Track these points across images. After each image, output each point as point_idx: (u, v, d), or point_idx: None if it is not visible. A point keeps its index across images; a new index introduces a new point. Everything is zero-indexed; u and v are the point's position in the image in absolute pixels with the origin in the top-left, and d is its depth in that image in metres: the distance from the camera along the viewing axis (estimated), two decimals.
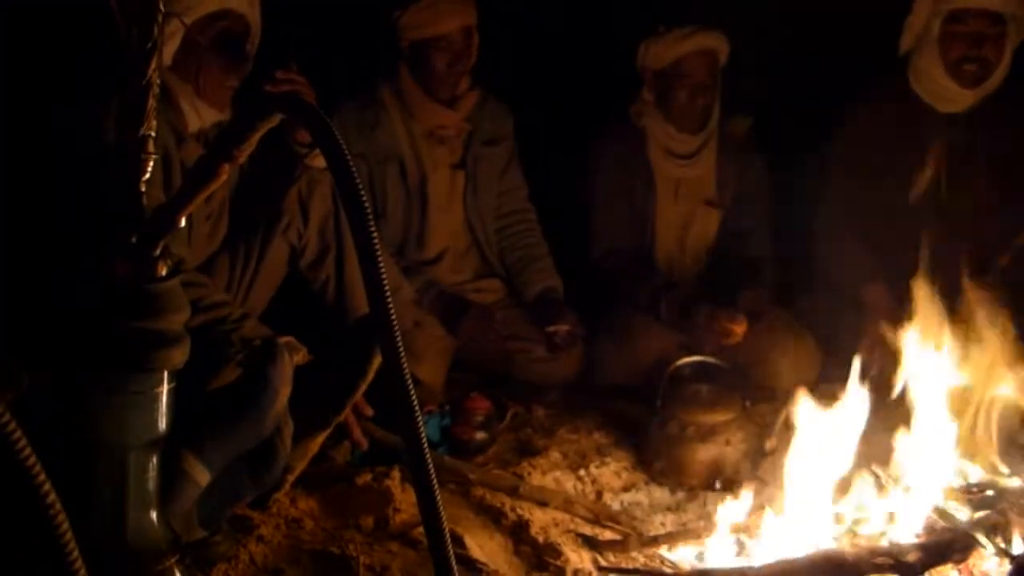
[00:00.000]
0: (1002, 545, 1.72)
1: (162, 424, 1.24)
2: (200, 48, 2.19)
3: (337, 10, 3.26)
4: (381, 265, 1.09)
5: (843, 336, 2.71)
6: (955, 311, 2.13)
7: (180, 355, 1.23)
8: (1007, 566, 1.69)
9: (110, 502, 1.23)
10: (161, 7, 1.15)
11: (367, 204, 1.07)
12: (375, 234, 1.08)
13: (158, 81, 1.18)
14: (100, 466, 1.22)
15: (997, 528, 1.77)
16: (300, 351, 1.94)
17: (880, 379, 2.09)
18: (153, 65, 1.16)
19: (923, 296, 2.11)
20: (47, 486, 0.92)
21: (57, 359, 1.24)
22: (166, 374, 1.23)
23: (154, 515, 1.27)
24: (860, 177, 2.94)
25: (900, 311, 2.62)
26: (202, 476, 1.48)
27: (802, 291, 3.18)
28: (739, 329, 2.82)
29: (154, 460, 1.26)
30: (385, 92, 2.97)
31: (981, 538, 1.71)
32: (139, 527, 1.24)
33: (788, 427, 2.43)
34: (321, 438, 2.00)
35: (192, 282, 2.08)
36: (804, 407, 2.03)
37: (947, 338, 2.08)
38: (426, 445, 1.15)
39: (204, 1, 2.17)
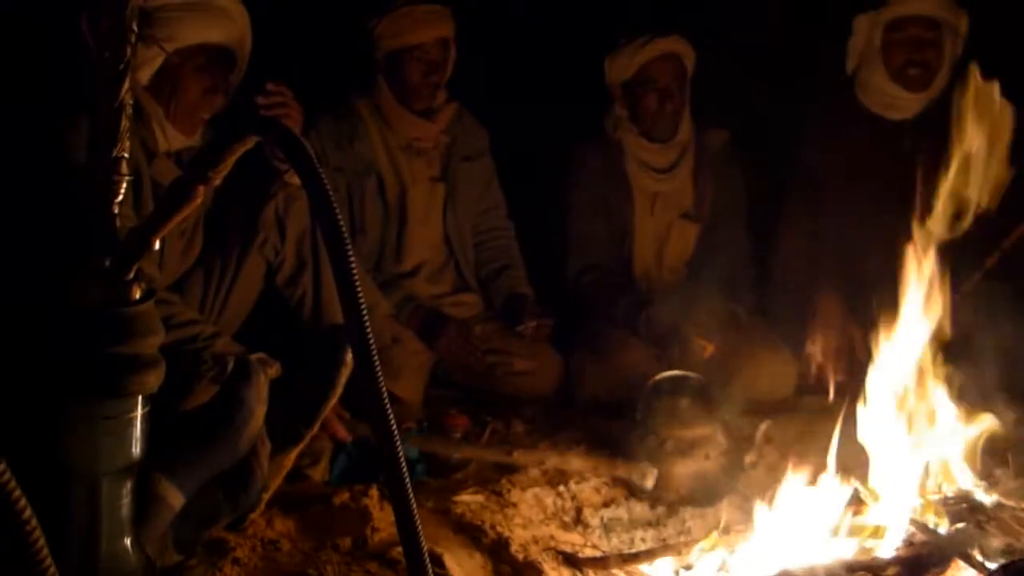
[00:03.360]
0: (979, 558, 1.73)
1: (136, 450, 1.22)
2: (178, 75, 2.22)
3: (313, 23, 3.26)
4: (358, 288, 1.09)
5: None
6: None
7: (155, 379, 1.22)
8: None
9: (83, 529, 1.20)
10: (134, 28, 1.14)
11: (343, 227, 1.07)
12: (352, 259, 1.08)
13: (131, 102, 1.17)
14: (73, 493, 1.20)
15: (975, 541, 1.78)
16: (273, 366, 1.92)
17: (845, 387, 2.11)
18: (126, 86, 1.15)
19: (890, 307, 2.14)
20: (28, 512, 0.91)
21: (27, 383, 1.22)
22: (140, 399, 1.21)
23: (128, 542, 1.25)
24: (817, 188, 3.08)
25: (850, 321, 2.69)
26: (176, 499, 1.45)
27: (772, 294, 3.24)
28: (712, 346, 2.87)
29: (128, 486, 1.24)
30: (362, 105, 2.97)
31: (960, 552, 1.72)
32: (113, 554, 1.22)
33: (767, 441, 2.45)
34: (295, 453, 1.98)
35: (162, 300, 2.06)
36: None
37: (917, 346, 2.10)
38: (404, 464, 1.15)
39: (185, 33, 2.21)
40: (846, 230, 2.98)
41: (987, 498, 1.98)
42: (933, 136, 2.76)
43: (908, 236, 2.08)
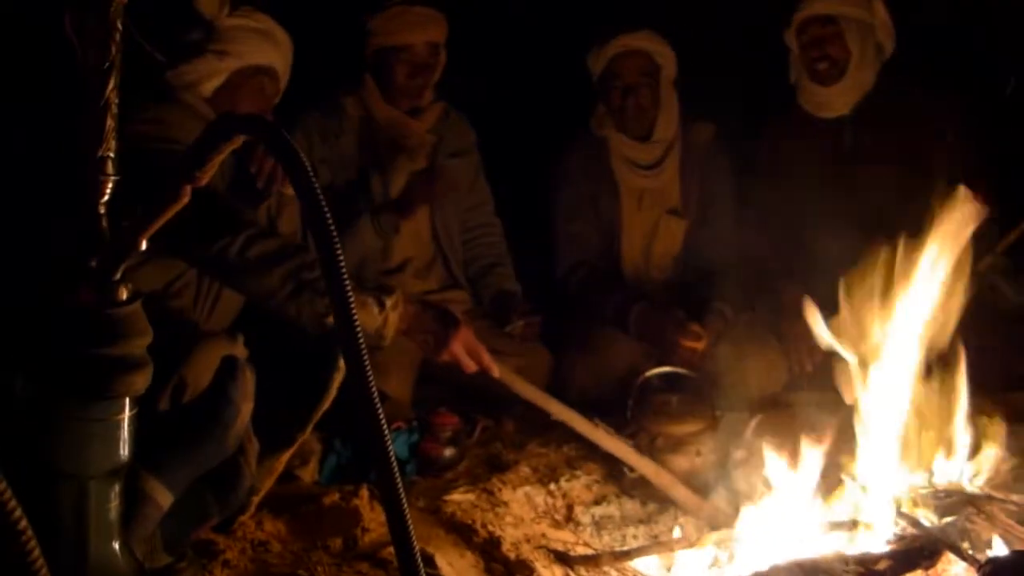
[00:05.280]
0: (970, 551, 1.74)
1: (124, 452, 1.21)
2: (237, 92, 2.37)
3: (302, 18, 3.27)
4: (349, 289, 1.08)
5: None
6: None
7: (142, 380, 1.21)
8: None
9: (72, 532, 1.19)
10: (118, 27, 1.13)
11: (334, 229, 1.06)
12: (342, 261, 1.07)
13: (116, 101, 1.16)
14: (61, 495, 1.19)
15: (965, 534, 1.79)
16: None
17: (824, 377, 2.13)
18: (111, 86, 1.14)
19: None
20: (18, 512, 0.90)
21: (15, 384, 1.21)
22: (128, 400, 1.20)
23: (116, 545, 1.23)
24: (772, 188, 3.14)
25: (815, 310, 2.71)
26: (164, 498, 1.45)
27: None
28: (699, 346, 2.88)
29: (116, 488, 1.23)
30: (348, 102, 2.98)
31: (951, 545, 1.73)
32: (101, 558, 1.21)
33: (758, 436, 2.45)
34: (286, 456, 1.98)
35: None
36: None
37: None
38: (395, 463, 1.14)
39: (252, 54, 2.37)
40: (798, 227, 3.04)
41: (976, 491, 1.98)
42: (872, 130, 3.09)
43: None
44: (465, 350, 2.21)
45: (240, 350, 2.01)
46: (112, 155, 1.17)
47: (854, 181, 3.08)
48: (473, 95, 3.30)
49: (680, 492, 2.25)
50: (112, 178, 1.17)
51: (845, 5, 3.06)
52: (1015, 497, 1.95)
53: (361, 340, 1.10)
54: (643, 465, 2.29)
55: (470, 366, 2.23)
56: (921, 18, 3.27)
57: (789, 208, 3.05)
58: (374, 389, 1.11)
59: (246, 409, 1.58)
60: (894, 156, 3.06)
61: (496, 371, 2.25)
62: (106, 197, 1.18)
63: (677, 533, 2.12)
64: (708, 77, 3.28)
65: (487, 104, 3.39)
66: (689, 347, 2.86)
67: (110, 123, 1.16)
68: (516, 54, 3.63)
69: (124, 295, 1.19)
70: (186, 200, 1.18)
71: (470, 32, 3.08)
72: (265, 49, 2.41)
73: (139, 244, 1.19)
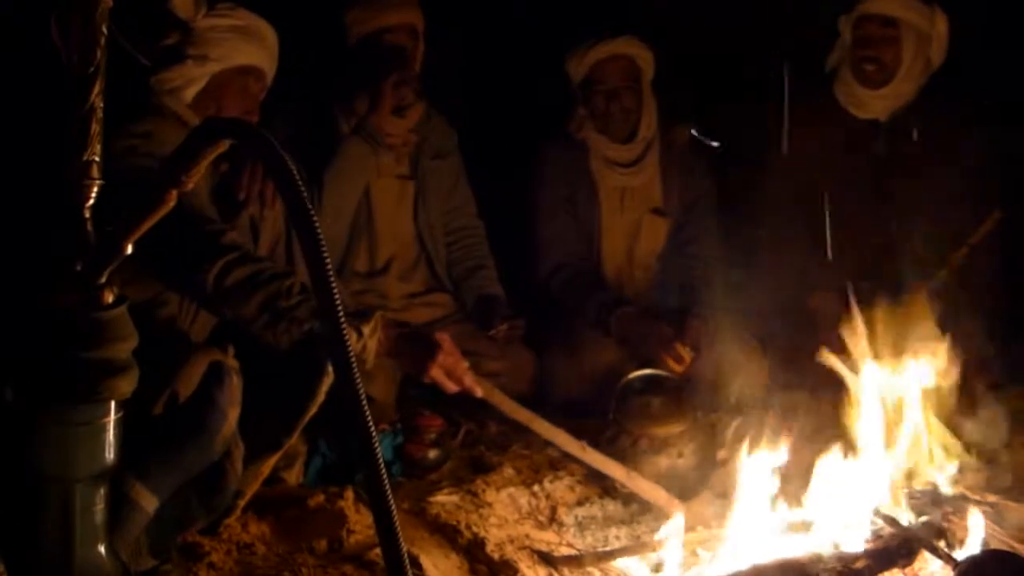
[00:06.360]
0: (946, 550, 1.76)
1: (110, 455, 1.21)
2: (221, 94, 2.33)
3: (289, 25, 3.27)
4: (334, 286, 1.10)
5: (780, 340, 2.91)
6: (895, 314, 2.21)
7: (127, 384, 1.21)
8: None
9: (57, 536, 1.19)
10: (103, 31, 1.14)
11: (320, 233, 1.07)
12: (329, 266, 1.08)
13: (101, 105, 1.16)
14: (46, 499, 1.19)
15: (941, 533, 1.82)
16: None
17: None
18: (96, 90, 1.14)
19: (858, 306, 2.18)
20: None
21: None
22: (113, 404, 1.20)
23: (102, 548, 1.24)
24: (797, 185, 3.11)
25: (847, 317, 2.72)
26: (149, 503, 1.45)
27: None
28: (681, 369, 2.88)
29: (102, 492, 1.23)
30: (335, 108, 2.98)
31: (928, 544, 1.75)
32: (87, 561, 1.22)
33: (739, 437, 2.47)
34: (272, 461, 1.97)
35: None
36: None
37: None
38: (382, 465, 1.15)
39: (233, 55, 2.32)
40: (822, 225, 3.05)
41: (952, 491, 2.02)
42: (906, 143, 3.02)
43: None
44: (445, 372, 2.19)
45: (231, 362, 2.01)
46: (97, 159, 1.17)
47: (880, 191, 3.04)
48: (454, 95, 3.31)
49: (678, 510, 2.23)
50: (97, 182, 1.17)
51: (911, 11, 2.99)
52: (990, 497, 1.98)
53: (349, 344, 1.11)
54: (637, 484, 2.27)
55: (451, 388, 2.22)
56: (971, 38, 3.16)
57: (814, 207, 3.06)
58: (362, 392, 1.12)
59: (233, 415, 1.58)
60: (921, 172, 2.99)
61: (479, 391, 2.24)
62: (91, 201, 1.18)
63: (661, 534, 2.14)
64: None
65: (468, 104, 3.39)
66: (672, 366, 2.87)
67: (95, 127, 1.16)
68: (496, 55, 3.64)
69: (109, 299, 1.19)
70: (171, 204, 1.18)
71: (451, 28, 3.09)
72: (246, 48, 2.36)
73: (124, 248, 1.19)
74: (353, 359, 1.10)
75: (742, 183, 3.31)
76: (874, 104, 3.09)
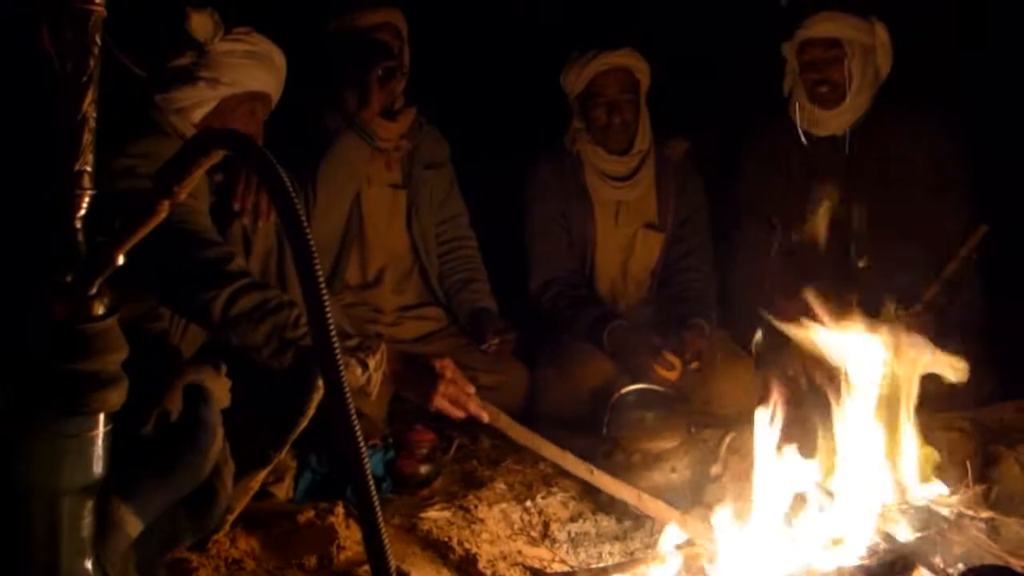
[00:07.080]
0: (942, 565, 1.75)
1: (98, 469, 1.19)
2: (228, 118, 2.33)
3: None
4: (325, 299, 1.09)
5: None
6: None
7: (117, 397, 1.19)
8: None
9: (43, 550, 1.17)
10: (97, 40, 1.13)
11: (313, 246, 1.07)
12: (322, 279, 1.07)
13: (94, 115, 1.15)
14: (32, 512, 1.17)
15: (938, 548, 1.81)
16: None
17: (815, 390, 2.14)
18: (88, 99, 1.13)
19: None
20: None
21: None
22: (102, 417, 1.18)
23: (89, 563, 1.21)
24: (765, 202, 3.22)
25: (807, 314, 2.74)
26: (133, 527, 1.42)
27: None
28: (673, 376, 2.88)
29: (89, 506, 1.20)
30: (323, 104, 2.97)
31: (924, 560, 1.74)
32: (74, 575, 1.19)
33: (733, 452, 2.46)
34: (262, 476, 1.96)
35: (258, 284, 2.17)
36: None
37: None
38: (372, 480, 1.14)
39: (245, 80, 2.33)
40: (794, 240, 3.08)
41: (947, 507, 2.01)
42: (866, 152, 3.10)
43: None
44: (449, 401, 2.19)
45: (223, 381, 2.00)
46: (89, 169, 1.16)
47: (845, 197, 3.09)
48: (446, 106, 3.31)
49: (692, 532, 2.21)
50: (88, 192, 1.16)
51: (850, 29, 3.04)
52: (984, 513, 1.97)
53: (340, 360, 1.10)
54: (648, 507, 2.23)
55: (457, 415, 2.22)
56: (916, 39, 3.24)
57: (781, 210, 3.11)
58: (352, 407, 1.11)
59: (219, 432, 1.56)
60: (886, 179, 3.08)
61: (486, 417, 2.23)
62: (82, 211, 1.17)
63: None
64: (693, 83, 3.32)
65: (461, 115, 3.39)
66: (662, 376, 2.87)
67: (87, 137, 1.15)
68: (489, 65, 3.65)
69: (100, 310, 1.17)
70: (164, 215, 1.17)
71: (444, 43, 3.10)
72: (258, 75, 2.37)
73: (115, 259, 1.17)
74: (343, 375, 1.09)
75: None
76: (832, 122, 3.15)
